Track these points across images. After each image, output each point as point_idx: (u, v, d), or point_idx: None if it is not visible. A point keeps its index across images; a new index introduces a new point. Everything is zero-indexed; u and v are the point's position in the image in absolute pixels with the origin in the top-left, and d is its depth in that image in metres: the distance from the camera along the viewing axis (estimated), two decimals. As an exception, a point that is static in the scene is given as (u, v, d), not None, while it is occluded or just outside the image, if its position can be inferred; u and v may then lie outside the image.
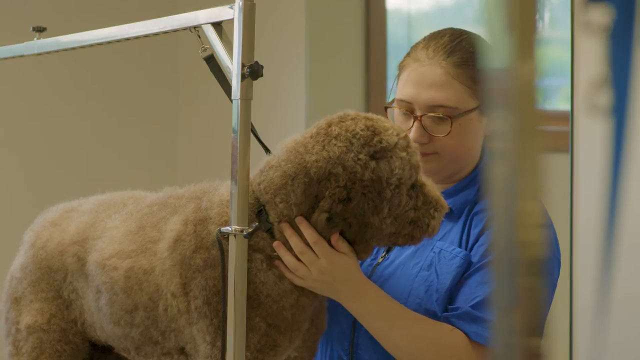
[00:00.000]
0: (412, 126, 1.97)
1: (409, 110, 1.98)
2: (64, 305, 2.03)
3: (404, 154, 1.79)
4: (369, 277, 1.98)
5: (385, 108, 2.02)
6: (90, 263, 1.96)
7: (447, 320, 1.90)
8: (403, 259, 1.99)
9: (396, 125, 1.86)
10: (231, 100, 1.83)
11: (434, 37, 2.02)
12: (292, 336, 1.85)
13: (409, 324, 1.87)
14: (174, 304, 1.85)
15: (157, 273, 1.87)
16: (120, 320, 1.92)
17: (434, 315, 1.91)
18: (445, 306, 1.92)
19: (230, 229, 1.79)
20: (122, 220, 1.97)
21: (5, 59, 2.38)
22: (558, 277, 2.00)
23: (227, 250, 1.80)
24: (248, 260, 1.81)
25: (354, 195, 1.75)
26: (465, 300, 1.90)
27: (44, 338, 2.02)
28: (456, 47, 1.99)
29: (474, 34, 2.02)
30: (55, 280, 2.03)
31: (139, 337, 1.91)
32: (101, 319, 1.96)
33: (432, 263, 1.94)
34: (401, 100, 2.00)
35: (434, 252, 1.96)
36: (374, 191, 1.76)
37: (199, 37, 1.93)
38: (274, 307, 1.81)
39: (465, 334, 1.87)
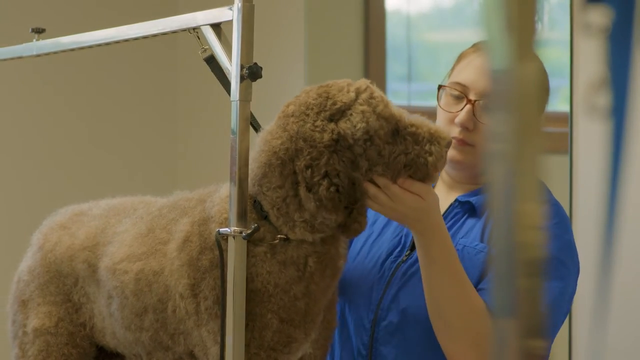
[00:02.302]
0: (461, 109, 1.98)
1: (463, 93, 1.99)
2: (73, 309, 2.02)
3: (365, 107, 1.77)
4: (392, 274, 1.99)
5: (439, 87, 2.04)
6: (102, 269, 1.95)
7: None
8: None
9: (360, 81, 1.83)
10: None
11: None
12: (307, 328, 1.83)
13: (456, 280, 1.86)
14: (182, 306, 1.85)
15: (166, 274, 1.87)
16: (130, 324, 1.91)
17: None
18: None
19: (229, 230, 1.79)
20: (132, 224, 1.96)
21: (4, 60, 2.38)
22: (575, 279, 1.98)
23: (226, 250, 1.80)
24: (251, 255, 1.80)
25: (318, 156, 1.75)
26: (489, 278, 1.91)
27: (51, 341, 2.01)
28: None
29: None
30: (65, 284, 2.02)
31: (149, 342, 1.90)
32: (113, 325, 1.95)
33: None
34: (457, 83, 2.01)
35: (457, 249, 1.96)
36: (343, 148, 1.76)
37: (198, 38, 1.92)
38: (285, 298, 1.80)
39: (485, 303, 1.87)
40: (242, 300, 1.79)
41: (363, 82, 1.82)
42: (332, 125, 1.76)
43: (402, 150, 1.78)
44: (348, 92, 1.79)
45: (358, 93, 1.79)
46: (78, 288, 2.01)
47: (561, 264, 1.92)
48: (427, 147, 1.79)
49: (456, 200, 2.03)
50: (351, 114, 1.77)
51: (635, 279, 3.00)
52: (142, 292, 1.89)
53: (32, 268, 2.07)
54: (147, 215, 1.96)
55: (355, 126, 1.76)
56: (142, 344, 1.92)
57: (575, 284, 1.99)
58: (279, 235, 1.80)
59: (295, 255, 1.80)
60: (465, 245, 1.96)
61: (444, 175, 2.10)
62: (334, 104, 1.78)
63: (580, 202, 2.94)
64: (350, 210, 1.78)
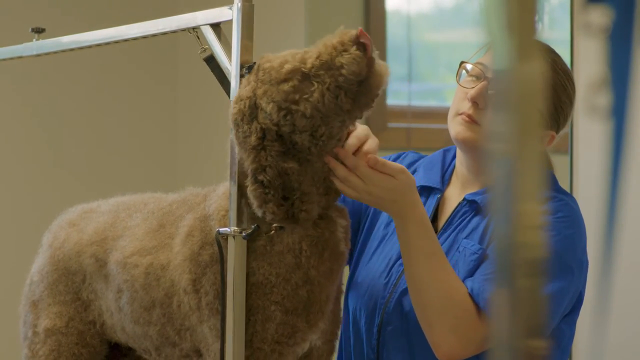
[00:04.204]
0: (475, 86, 1.97)
1: (482, 71, 1.98)
2: (82, 307, 2.02)
3: (265, 86, 1.73)
4: (398, 277, 1.99)
5: (461, 63, 2.03)
6: (111, 263, 1.95)
7: None
8: None
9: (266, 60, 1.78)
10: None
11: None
12: (312, 318, 1.82)
13: (434, 261, 1.85)
14: (186, 301, 1.85)
15: (171, 268, 1.87)
16: (139, 318, 1.91)
17: None
18: None
19: (229, 230, 1.79)
20: (143, 218, 1.96)
21: (4, 60, 2.38)
22: (580, 282, 1.96)
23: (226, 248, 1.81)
24: (251, 251, 1.80)
25: (246, 158, 1.75)
26: (477, 275, 1.91)
27: (62, 341, 2.01)
28: (554, 53, 2.01)
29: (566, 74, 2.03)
30: (74, 282, 2.02)
31: (157, 337, 1.91)
32: (122, 320, 1.95)
33: (457, 263, 1.94)
34: (479, 63, 2.00)
35: (459, 252, 1.96)
36: (271, 141, 1.74)
37: (198, 38, 1.92)
38: (288, 287, 1.79)
39: (467, 287, 1.87)
40: (242, 300, 1.79)
41: (256, 62, 1.79)
42: (255, 125, 1.74)
43: (322, 88, 1.69)
44: (248, 83, 1.77)
45: (255, 78, 1.76)
46: (86, 285, 2.01)
47: (560, 260, 1.90)
48: (337, 63, 1.70)
49: (464, 198, 2.02)
50: (260, 103, 1.74)
51: (635, 279, 3.00)
52: (151, 286, 1.89)
53: (42, 267, 2.07)
54: (159, 210, 1.96)
55: (267, 111, 1.73)
56: (150, 339, 1.92)
57: (580, 280, 1.95)
58: (274, 225, 1.79)
59: (290, 242, 1.79)
60: (465, 247, 1.95)
61: (459, 170, 2.08)
62: (245, 104, 1.75)
63: (581, 202, 2.94)
64: (292, 201, 1.75)
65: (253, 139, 1.74)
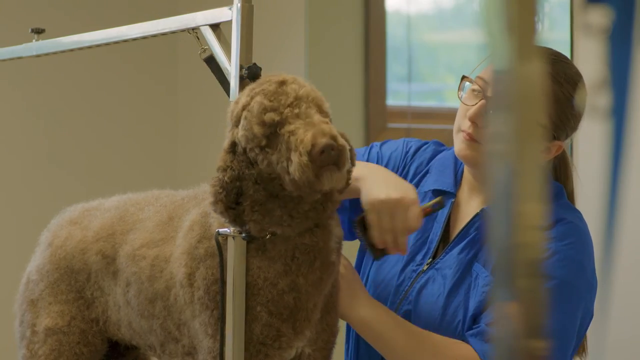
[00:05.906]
0: (476, 104, 1.97)
1: (482, 88, 1.97)
2: (84, 306, 2.00)
3: (248, 113, 1.73)
4: (410, 285, 2.01)
5: (463, 77, 2.02)
6: (121, 257, 1.95)
7: (464, 337, 1.92)
8: (443, 274, 2.00)
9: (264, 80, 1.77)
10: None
11: (548, 48, 2.01)
12: (297, 325, 1.81)
13: (405, 328, 1.91)
14: (181, 294, 1.85)
15: (172, 260, 1.87)
16: (144, 311, 1.91)
17: (453, 335, 1.94)
18: (469, 327, 1.94)
19: (229, 230, 1.79)
20: (155, 211, 1.96)
21: (4, 60, 2.38)
22: (590, 303, 1.95)
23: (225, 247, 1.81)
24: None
25: (221, 154, 1.79)
26: (486, 319, 1.90)
27: (64, 340, 1.99)
28: (560, 63, 1.99)
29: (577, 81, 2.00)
30: (78, 281, 2.01)
31: (160, 331, 1.90)
32: (129, 314, 1.95)
33: (470, 287, 1.95)
34: (480, 78, 1.99)
35: (472, 277, 1.96)
36: (239, 153, 1.76)
37: (197, 38, 1.92)
38: (274, 291, 1.79)
39: (475, 351, 1.87)
40: (242, 301, 1.79)
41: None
42: (234, 130, 1.76)
43: (277, 157, 1.70)
44: (247, 94, 1.76)
45: (251, 93, 1.75)
46: (91, 283, 1.99)
47: (570, 288, 1.90)
48: (290, 156, 1.68)
49: (484, 210, 2.01)
50: (242, 120, 1.74)
51: (635, 279, 3.00)
52: (155, 278, 1.89)
53: (41, 266, 2.05)
54: (171, 204, 1.96)
55: (240, 133, 1.74)
56: (155, 333, 1.92)
57: (590, 307, 1.94)
58: (270, 229, 1.79)
59: (283, 249, 1.79)
60: (478, 274, 1.95)
61: (467, 175, 2.08)
62: (235, 110, 1.77)
63: (581, 202, 2.94)
64: (243, 207, 1.76)
65: (227, 143, 1.77)
